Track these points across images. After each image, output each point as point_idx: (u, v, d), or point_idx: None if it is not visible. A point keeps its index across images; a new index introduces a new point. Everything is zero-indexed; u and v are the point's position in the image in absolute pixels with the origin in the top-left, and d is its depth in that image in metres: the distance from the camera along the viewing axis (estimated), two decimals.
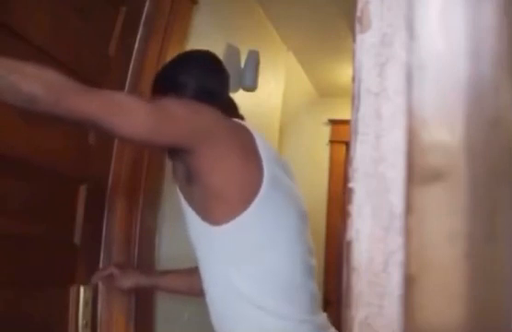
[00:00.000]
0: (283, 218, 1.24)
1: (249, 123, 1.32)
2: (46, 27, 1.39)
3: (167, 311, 1.88)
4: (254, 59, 2.53)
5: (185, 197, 1.25)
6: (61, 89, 1.01)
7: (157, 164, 1.86)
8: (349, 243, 0.52)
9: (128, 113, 1.06)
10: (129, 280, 1.56)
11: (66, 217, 1.54)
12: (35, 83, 0.97)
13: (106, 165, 1.69)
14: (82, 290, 1.54)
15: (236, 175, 1.16)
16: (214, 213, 1.18)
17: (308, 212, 1.37)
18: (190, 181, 1.21)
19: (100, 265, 1.66)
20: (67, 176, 1.54)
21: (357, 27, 0.54)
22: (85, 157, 1.59)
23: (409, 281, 0.48)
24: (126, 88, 1.75)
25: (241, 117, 1.37)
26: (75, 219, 1.56)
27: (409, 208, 0.49)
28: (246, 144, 1.19)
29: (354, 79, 0.54)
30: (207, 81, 1.30)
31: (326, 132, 4.07)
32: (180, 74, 1.30)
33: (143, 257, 1.75)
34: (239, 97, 2.51)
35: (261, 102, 2.86)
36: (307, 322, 1.24)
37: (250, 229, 1.18)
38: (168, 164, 1.90)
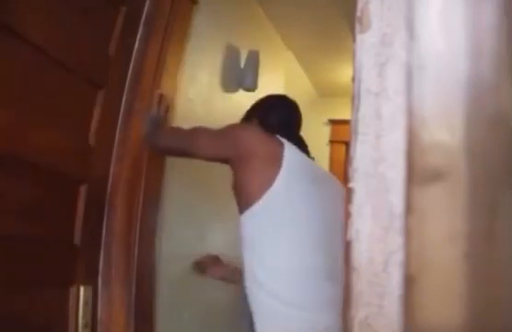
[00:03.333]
0: (293, 217, 1.42)
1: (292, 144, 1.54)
2: (46, 27, 1.39)
3: (167, 311, 1.88)
4: (254, 59, 2.53)
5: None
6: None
7: (157, 164, 1.86)
8: (349, 243, 0.52)
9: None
10: (222, 271, 1.90)
11: (66, 217, 1.54)
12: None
13: (106, 165, 1.69)
14: (82, 290, 1.54)
15: (256, 174, 1.42)
16: (240, 204, 1.46)
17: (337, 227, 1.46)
18: (234, 183, 1.52)
19: (100, 265, 1.66)
20: (67, 176, 1.54)
21: (357, 27, 0.54)
22: (85, 157, 1.59)
23: (409, 281, 0.48)
24: (126, 88, 1.75)
25: (310, 155, 1.63)
26: (75, 219, 1.56)
27: (409, 208, 0.49)
28: (273, 153, 1.44)
29: (354, 79, 0.54)
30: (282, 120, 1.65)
31: (326, 132, 4.07)
32: (266, 112, 1.67)
33: (143, 257, 1.75)
34: (239, 97, 2.52)
35: None
36: (316, 321, 1.34)
37: (261, 217, 1.40)
38: (168, 164, 1.91)
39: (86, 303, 1.55)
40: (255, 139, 1.46)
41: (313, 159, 1.64)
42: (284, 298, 1.35)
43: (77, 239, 1.56)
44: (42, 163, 1.42)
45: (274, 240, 1.40)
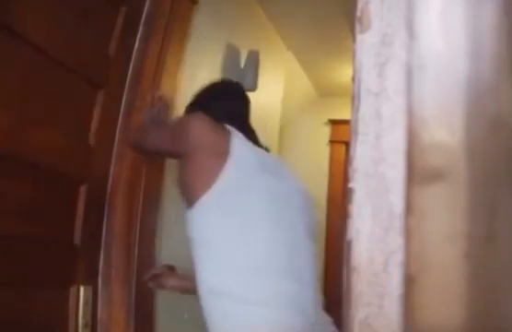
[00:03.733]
0: (244, 210, 1.33)
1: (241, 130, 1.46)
2: (46, 27, 1.39)
3: (167, 311, 1.88)
4: (254, 59, 2.53)
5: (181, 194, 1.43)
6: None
7: (157, 165, 1.86)
8: (349, 243, 0.52)
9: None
10: (174, 281, 1.71)
11: (66, 217, 1.54)
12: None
13: (106, 165, 1.69)
14: (82, 290, 1.54)
15: (201, 167, 1.34)
16: (186, 201, 1.37)
17: (305, 218, 1.41)
18: (179, 178, 1.44)
19: (100, 265, 1.66)
20: (67, 176, 1.54)
21: (357, 27, 0.54)
22: (85, 157, 1.59)
23: (409, 281, 0.48)
24: (126, 88, 1.75)
25: (260, 144, 1.54)
26: (75, 219, 1.56)
27: (409, 208, 0.49)
28: (219, 143, 1.36)
29: (354, 79, 0.54)
30: (227, 106, 1.56)
31: (326, 132, 4.06)
32: (207, 100, 1.58)
33: (143, 257, 1.75)
34: None
35: (261, 102, 2.86)
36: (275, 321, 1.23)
37: (208, 212, 1.32)
38: (169, 165, 1.91)
39: (86, 303, 1.55)
40: (200, 130, 1.37)
41: (267, 149, 1.55)
42: (238, 296, 1.25)
43: (77, 239, 1.56)
44: (42, 163, 1.42)
45: (225, 236, 1.31)
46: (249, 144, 1.42)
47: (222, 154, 1.33)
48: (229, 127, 1.42)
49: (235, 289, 1.26)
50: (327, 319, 1.34)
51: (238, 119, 1.51)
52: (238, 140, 1.38)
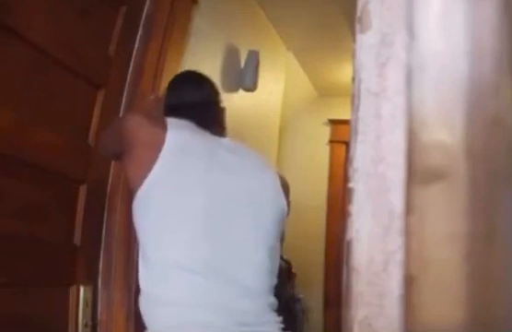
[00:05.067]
0: (179, 204, 1.28)
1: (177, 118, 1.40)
2: (46, 27, 1.39)
3: None
4: (254, 59, 2.53)
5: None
6: None
7: None
8: (349, 243, 0.52)
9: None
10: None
11: (66, 217, 1.54)
12: None
13: (106, 165, 1.69)
14: (82, 290, 1.54)
15: (136, 163, 1.31)
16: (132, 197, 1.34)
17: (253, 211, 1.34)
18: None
19: (100, 265, 1.66)
20: (67, 176, 1.54)
21: (357, 27, 0.54)
22: (85, 157, 1.59)
23: (409, 281, 0.48)
24: (126, 88, 1.75)
25: (224, 134, 1.49)
26: (76, 219, 1.56)
27: (409, 208, 0.49)
28: (154, 137, 1.31)
29: (354, 79, 0.54)
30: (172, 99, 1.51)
31: (326, 132, 4.06)
32: (168, 93, 1.54)
33: None
34: (239, 97, 2.52)
35: (261, 102, 2.86)
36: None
37: (142, 207, 1.28)
38: None
39: (86, 303, 1.55)
40: (135, 127, 1.33)
41: (237, 141, 1.49)
42: (163, 297, 1.23)
43: (77, 239, 1.56)
44: (42, 163, 1.42)
45: (148, 232, 1.27)
46: (195, 136, 1.36)
47: (156, 147, 1.28)
48: (171, 120, 1.36)
49: (162, 289, 1.24)
50: (274, 319, 1.28)
51: (192, 109, 1.45)
52: (175, 131, 1.31)
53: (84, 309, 1.54)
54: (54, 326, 1.47)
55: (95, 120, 1.62)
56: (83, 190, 1.58)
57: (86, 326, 1.54)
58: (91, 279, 1.60)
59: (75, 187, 1.57)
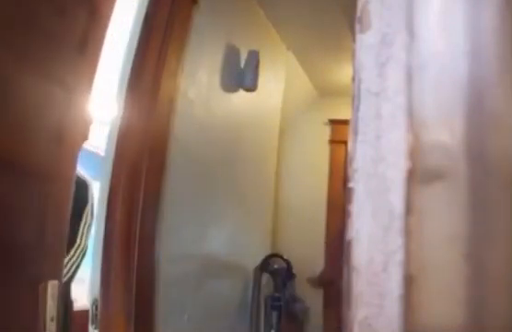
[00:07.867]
0: None
1: None
2: None
3: (167, 311, 1.88)
4: (254, 59, 2.53)
5: None
6: None
7: (157, 164, 1.86)
8: (349, 243, 0.52)
9: None
10: None
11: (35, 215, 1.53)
12: None
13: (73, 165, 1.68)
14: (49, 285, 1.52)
15: None
16: None
17: None
18: None
19: (100, 265, 1.65)
20: (37, 173, 1.53)
21: (357, 27, 0.54)
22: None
23: (409, 281, 0.48)
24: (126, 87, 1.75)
25: None
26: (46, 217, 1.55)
27: (409, 208, 0.49)
28: None
29: (354, 79, 0.54)
30: None
31: (326, 132, 4.06)
32: None
33: (143, 258, 1.75)
34: (239, 97, 2.52)
35: (261, 102, 2.86)
36: None
37: None
38: (169, 165, 1.90)
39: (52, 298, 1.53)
40: None
41: None
42: None
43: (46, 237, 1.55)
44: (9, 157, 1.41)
45: None
46: None
47: None
48: None
49: None
50: None
51: None
52: None
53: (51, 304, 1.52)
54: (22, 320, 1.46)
55: None
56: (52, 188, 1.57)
57: (52, 320, 1.52)
58: (59, 275, 1.58)
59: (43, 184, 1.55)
